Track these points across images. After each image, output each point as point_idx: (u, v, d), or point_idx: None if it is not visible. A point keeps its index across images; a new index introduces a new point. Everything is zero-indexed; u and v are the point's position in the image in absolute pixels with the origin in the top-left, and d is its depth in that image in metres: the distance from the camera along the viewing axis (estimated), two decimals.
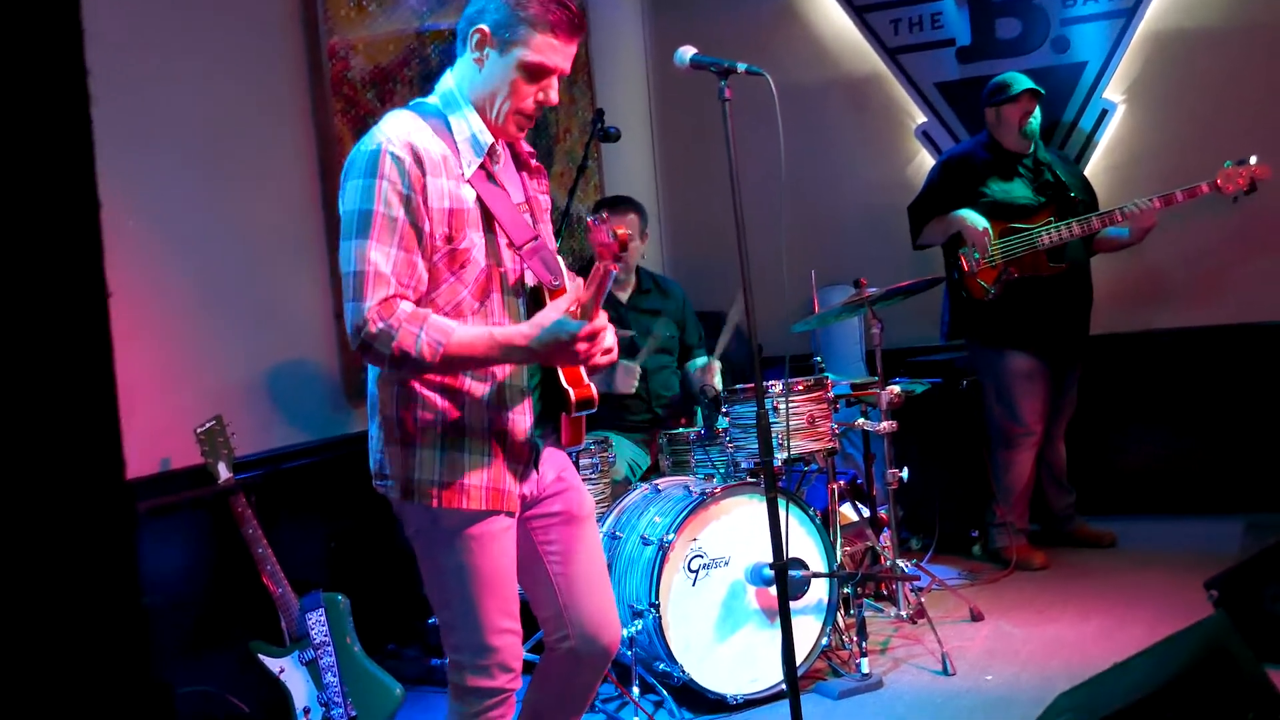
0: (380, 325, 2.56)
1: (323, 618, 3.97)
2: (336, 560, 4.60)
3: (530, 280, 2.81)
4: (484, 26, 2.71)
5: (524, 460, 2.81)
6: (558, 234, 4.54)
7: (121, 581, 0.83)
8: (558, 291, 2.76)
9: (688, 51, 3.32)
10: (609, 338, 2.69)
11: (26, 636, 0.79)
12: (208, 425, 3.90)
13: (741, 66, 3.24)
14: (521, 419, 2.78)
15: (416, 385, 2.70)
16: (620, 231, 2.60)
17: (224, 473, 3.90)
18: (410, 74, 5.09)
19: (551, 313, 2.62)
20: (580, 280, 2.74)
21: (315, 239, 4.66)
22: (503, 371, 2.74)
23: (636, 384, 4.97)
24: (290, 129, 4.59)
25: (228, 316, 4.25)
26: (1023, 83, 5.52)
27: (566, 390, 2.77)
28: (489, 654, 2.74)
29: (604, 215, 2.68)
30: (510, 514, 2.78)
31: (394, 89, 4.98)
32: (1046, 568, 5.56)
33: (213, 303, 4.18)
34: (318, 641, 3.92)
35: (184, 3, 4.13)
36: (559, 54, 2.74)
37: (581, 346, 2.59)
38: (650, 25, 7.40)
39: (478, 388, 2.73)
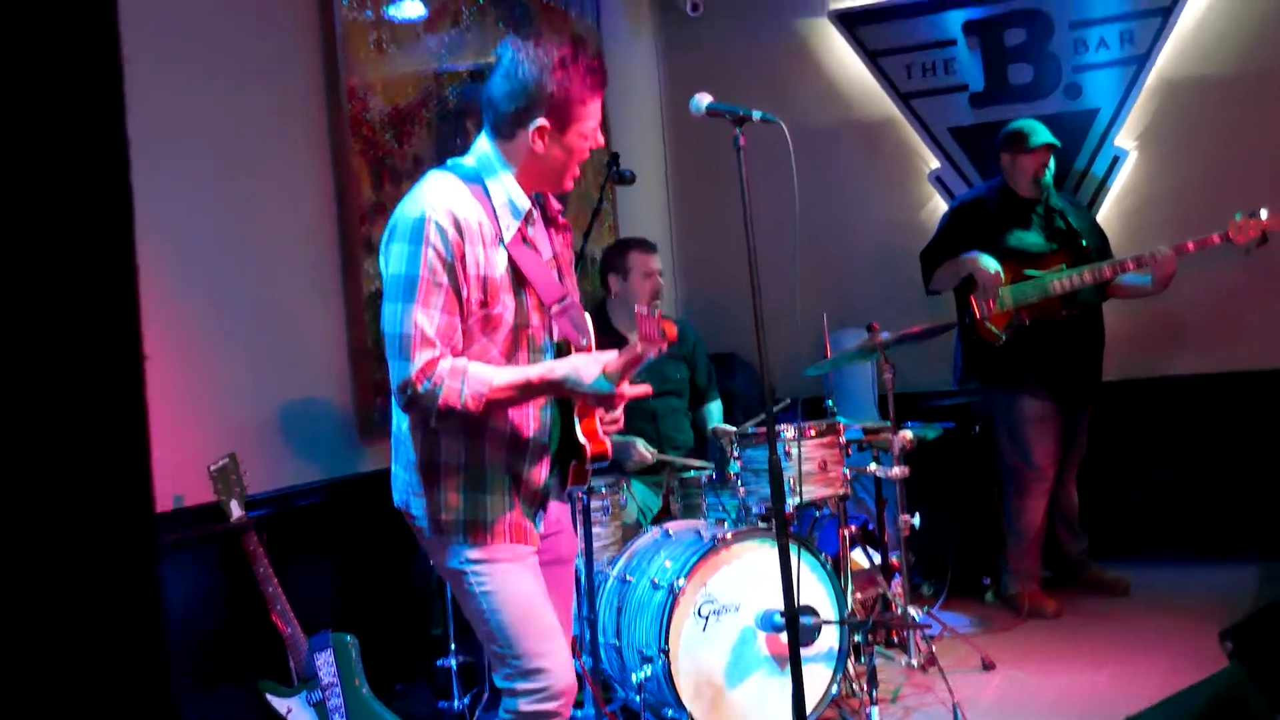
0: (425, 384, 2.74)
1: (331, 658, 3.96)
2: (346, 599, 4.59)
3: (557, 336, 2.97)
4: (544, 123, 2.87)
5: (536, 504, 2.99)
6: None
7: (145, 613, 0.84)
8: (585, 350, 2.95)
9: (704, 99, 3.35)
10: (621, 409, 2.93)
11: (51, 663, 0.80)
12: (221, 463, 3.90)
13: (757, 114, 3.26)
14: (540, 471, 2.96)
15: (441, 434, 2.88)
16: (671, 331, 2.80)
17: (236, 511, 3.90)
18: (428, 115, 5.11)
19: (595, 366, 2.82)
20: (594, 325, 2.97)
21: (331, 278, 4.67)
22: (528, 429, 2.92)
23: (652, 459, 4.96)
24: (308, 168, 4.61)
25: (243, 354, 4.26)
26: (1042, 135, 5.52)
27: (583, 445, 2.96)
28: (539, 677, 2.87)
29: (659, 307, 2.85)
30: (531, 547, 2.96)
31: (412, 129, 5.01)
32: (1059, 615, 5.53)
33: (228, 340, 4.19)
34: (326, 682, 3.91)
35: (206, 41, 4.16)
36: (599, 106, 2.96)
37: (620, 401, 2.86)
38: (664, 69, 7.44)
39: (500, 440, 2.90)
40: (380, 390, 4.78)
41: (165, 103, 3.95)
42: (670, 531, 4.43)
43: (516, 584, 2.89)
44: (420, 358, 2.73)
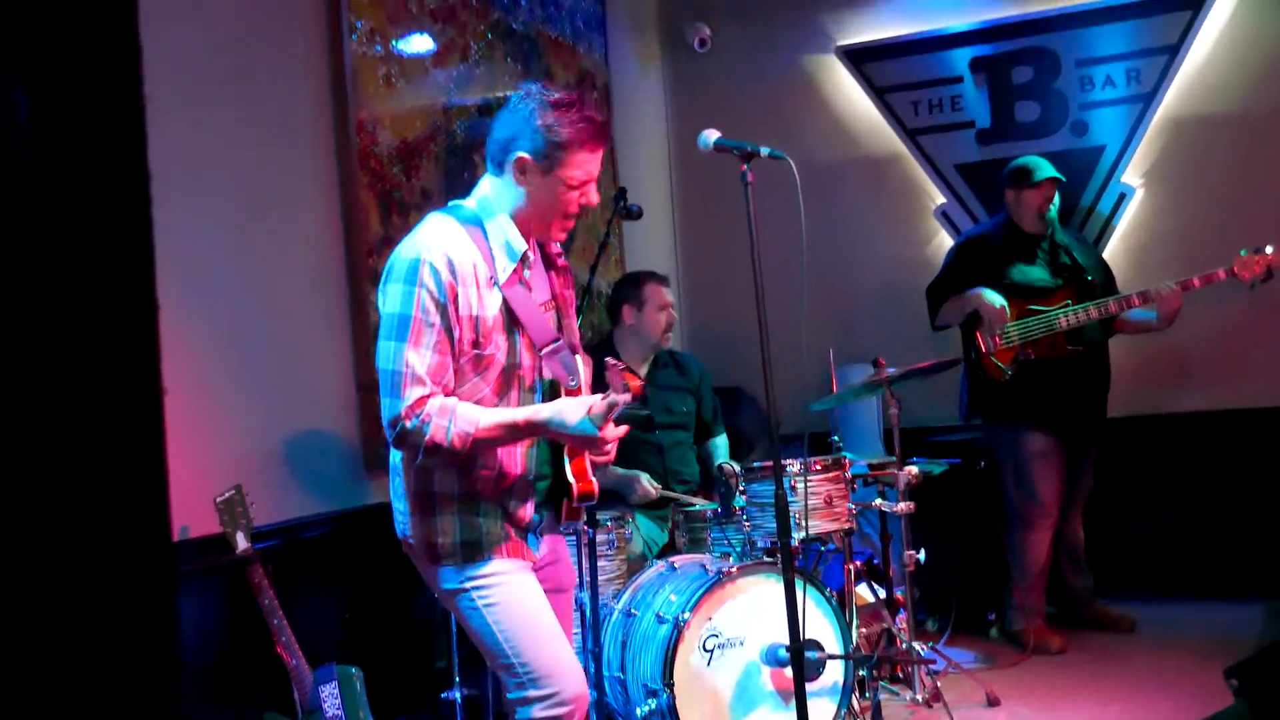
0: (414, 421, 2.82)
1: (336, 690, 3.95)
2: (351, 631, 4.58)
3: (548, 375, 3.04)
4: (525, 155, 2.94)
5: (528, 531, 3.05)
6: (579, 310, 4.57)
7: (161, 642, 0.85)
8: (573, 392, 3.00)
9: (711, 135, 3.37)
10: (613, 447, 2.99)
11: (67, 691, 0.81)
12: (227, 495, 3.91)
13: (764, 151, 3.29)
14: (526, 509, 3.03)
15: (432, 468, 2.96)
16: (634, 385, 2.89)
17: (242, 542, 3.90)
18: (436, 149, 5.14)
19: (579, 409, 2.87)
20: (590, 363, 3.07)
21: (339, 311, 4.69)
22: (515, 469, 2.99)
23: (656, 494, 4.96)
24: (317, 200, 4.64)
25: (250, 385, 4.27)
26: (1045, 170, 5.55)
27: (571, 483, 3.02)
28: (549, 683, 2.91)
29: (620, 363, 2.93)
30: (528, 562, 3.03)
31: (419, 163, 5.04)
32: (1064, 651, 5.51)
33: (235, 371, 4.21)
34: (330, 714, 3.91)
35: (215, 73, 4.19)
36: (593, 163, 3.00)
37: (606, 445, 2.93)
38: (672, 105, 7.48)
39: (490, 477, 2.97)
40: None
41: (175, 135, 3.97)
42: (675, 565, 4.43)
43: (518, 594, 2.95)
44: (410, 395, 2.82)
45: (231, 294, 4.23)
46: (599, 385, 2.98)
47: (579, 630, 4.08)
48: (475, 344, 2.91)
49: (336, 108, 4.70)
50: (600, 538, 4.40)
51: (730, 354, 6.63)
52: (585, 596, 4.09)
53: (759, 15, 7.21)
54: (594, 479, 3.05)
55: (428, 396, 2.83)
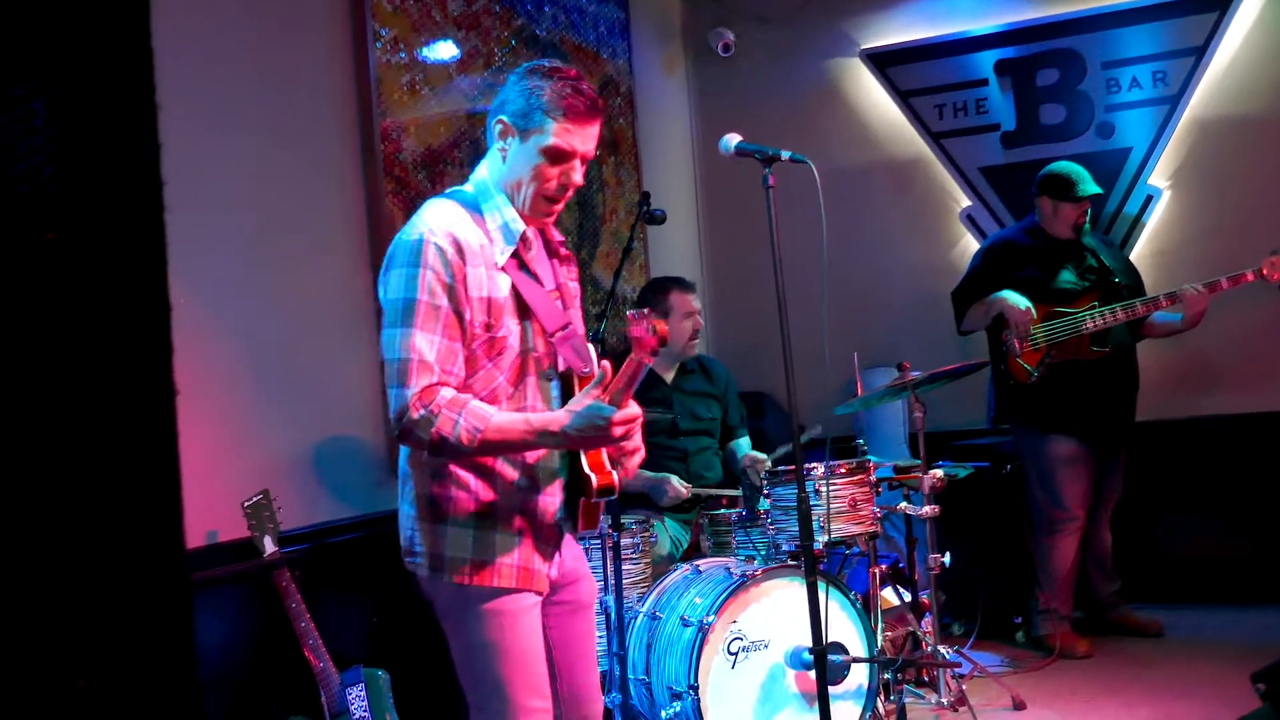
0: (421, 412, 2.62)
1: (363, 693, 3.98)
2: (378, 635, 4.61)
3: (561, 365, 2.86)
4: (503, 118, 2.81)
5: (551, 543, 2.87)
6: (603, 315, 4.59)
7: (177, 651, 0.86)
8: (587, 378, 2.80)
9: (733, 139, 3.39)
10: (638, 436, 2.74)
11: (83, 698, 0.82)
12: (254, 499, 3.94)
13: (785, 154, 3.30)
14: (551, 500, 2.84)
15: (450, 465, 2.76)
16: (660, 327, 2.63)
17: (269, 546, 3.93)
18: (460, 155, 5.17)
19: (585, 399, 2.67)
20: (608, 365, 2.75)
21: (364, 317, 4.72)
22: (534, 454, 2.79)
23: (687, 494, 4.96)
24: (341, 208, 4.67)
25: (276, 391, 4.31)
26: (1089, 186, 5.49)
27: (588, 476, 2.80)
28: None
29: (646, 310, 2.70)
30: (538, 594, 2.83)
31: (444, 170, 5.07)
32: (1090, 656, 5.50)
33: (262, 377, 4.24)
34: (357, 717, 3.93)
35: (240, 82, 4.23)
36: (576, 137, 2.80)
37: (617, 431, 2.64)
38: (696, 108, 7.50)
39: (509, 469, 2.78)
40: None
41: (202, 143, 4.01)
42: (700, 568, 4.44)
43: (514, 636, 2.77)
44: (417, 383, 2.63)
45: (257, 301, 4.26)
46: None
47: (603, 635, 4.09)
48: (487, 326, 2.72)
49: (361, 115, 4.73)
50: (625, 541, 4.42)
51: (755, 358, 6.63)
52: (610, 600, 4.10)
53: (782, 20, 7.22)
54: (613, 472, 2.81)
55: (437, 385, 2.63)
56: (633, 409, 2.67)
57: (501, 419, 2.66)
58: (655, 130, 6.93)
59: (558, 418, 2.69)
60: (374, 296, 4.70)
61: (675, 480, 4.93)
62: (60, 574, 0.74)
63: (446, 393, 2.64)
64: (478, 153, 5.25)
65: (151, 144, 0.70)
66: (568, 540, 2.98)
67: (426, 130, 5.01)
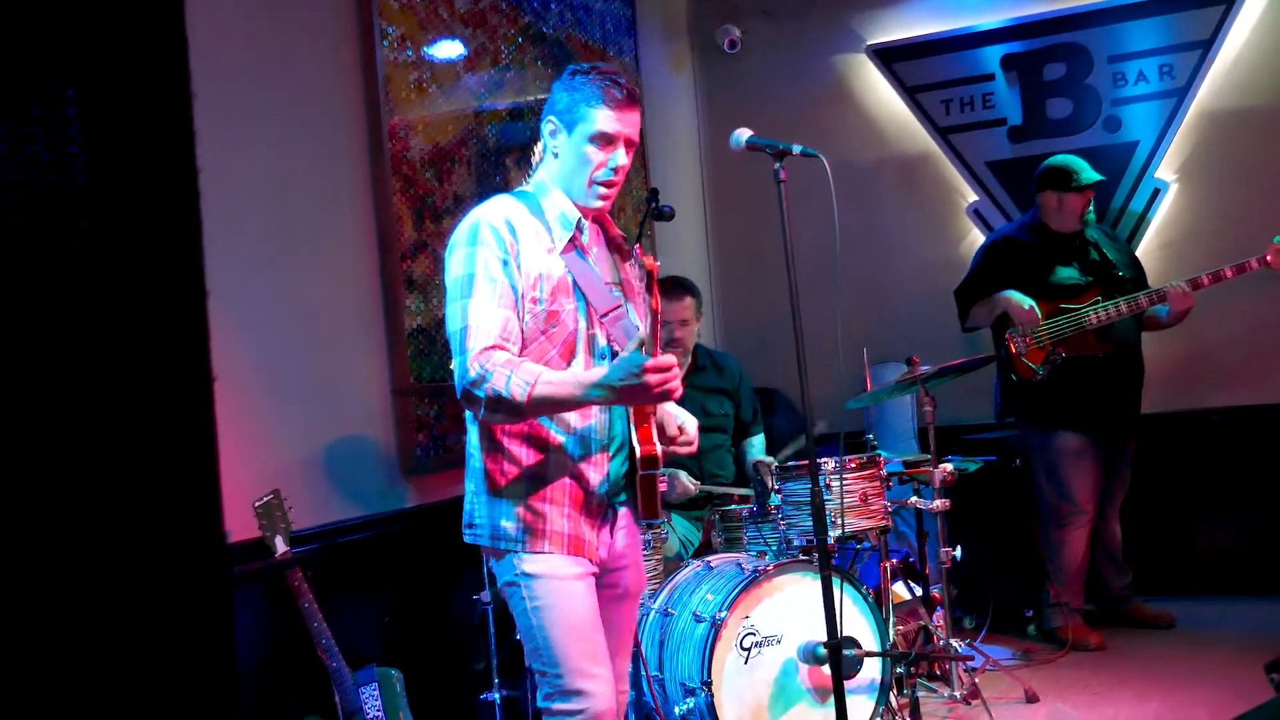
0: (477, 371, 2.80)
1: (376, 693, 3.98)
2: (390, 635, 4.62)
3: (612, 344, 3.01)
4: (552, 117, 3.04)
5: (600, 517, 3.03)
6: None
7: (217, 644, 0.87)
8: None
9: (743, 134, 3.39)
10: (676, 381, 2.76)
11: (123, 691, 0.82)
12: (266, 499, 3.94)
13: (796, 149, 3.29)
14: (596, 472, 2.99)
15: (502, 438, 2.94)
16: (649, 263, 2.92)
17: (281, 546, 3.93)
18: (468, 154, 5.17)
19: (624, 354, 2.81)
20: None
21: (374, 316, 4.72)
22: (582, 422, 2.96)
23: (695, 490, 4.95)
24: (350, 207, 4.67)
25: (287, 391, 4.31)
26: (1089, 174, 5.51)
27: (634, 447, 2.96)
28: (578, 699, 2.90)
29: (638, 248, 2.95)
30: (590, 564, 2.99)
31: (451, 168, 5.07)
32: (1103, 649, 5.49)
33: (272, 377, 4.24)
34: (370, 716, 3.93)
35: (247, 81, 4.23)
36: (618, 122, 3.01)
37: (652, 379, 2.70)
38: (704, 105, 7.49)
39: (559, 438, 2.95)
40: (422, 427, 4.82)
41: (208, 143, 4.00)
42: (711, 564, 4.44)
43: (569, 601, 2.93)
44: (475, 345, 2.81)
45: (266, 300, 4.26)
46: None
47: None
48: (540, 301, 2.92)
49: (369, 114, 4.73)
50: None
51: (765, 354, 6.62)
52: None
53: (789, 16, 7.22)
54: (656, 444, 2.94)
55: (493, 348, 2.82)
56: (666, 357, 2.76)
57: (551, 374, 2.82)
58: (662, 127, 6.93)
59: (601, 369, 2.85)
60: (384, 295, 4.74)
61: (684, 475, 4.93)
62: (102, 559, 0.74)
63: (500, 355, 2.82)
64: (485, 151, 5.28)
65: (186, 131, 0.70)
66: (627, 524, 3.13)
67: (434, 128, 5.02)
